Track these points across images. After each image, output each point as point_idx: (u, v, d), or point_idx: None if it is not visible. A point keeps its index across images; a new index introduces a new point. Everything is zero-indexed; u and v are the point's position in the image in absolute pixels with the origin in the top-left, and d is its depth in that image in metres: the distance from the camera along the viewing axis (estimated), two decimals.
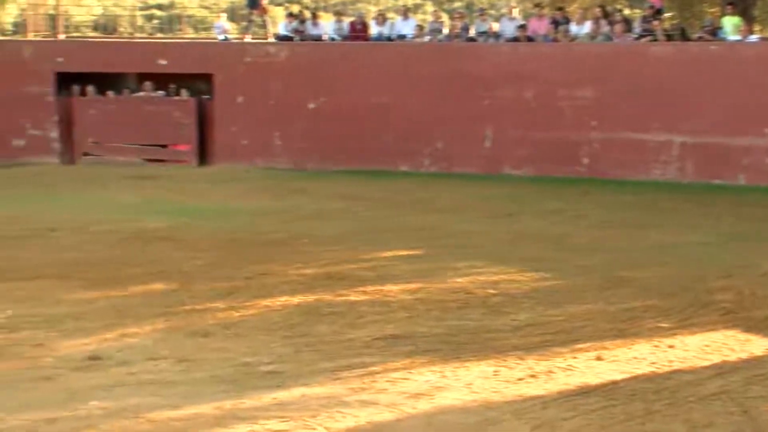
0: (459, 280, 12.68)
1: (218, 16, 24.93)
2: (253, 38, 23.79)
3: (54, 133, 22.31)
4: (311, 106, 22.27)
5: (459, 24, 23.07)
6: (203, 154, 22.58)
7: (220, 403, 8.29)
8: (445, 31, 23.03)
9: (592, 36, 21.51)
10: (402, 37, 22.69)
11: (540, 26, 22.17)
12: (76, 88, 22.49)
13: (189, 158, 22.51)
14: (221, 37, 23.62)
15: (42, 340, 10.20)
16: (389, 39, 22.69)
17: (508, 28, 22.43)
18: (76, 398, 8.46)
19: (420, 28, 23.11)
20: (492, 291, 12.10)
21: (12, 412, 8.05)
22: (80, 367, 9.39)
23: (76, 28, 28.22)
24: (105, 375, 9.16)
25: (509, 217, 17.31)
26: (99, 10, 27.42)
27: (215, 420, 7.94)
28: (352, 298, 12.01)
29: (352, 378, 9.03)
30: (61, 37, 23.85)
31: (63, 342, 10.20)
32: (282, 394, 8.56)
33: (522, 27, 22.18)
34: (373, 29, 23.20)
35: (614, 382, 8.89)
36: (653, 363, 9.43)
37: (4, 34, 30.03)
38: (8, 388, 8.69)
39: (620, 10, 24.52)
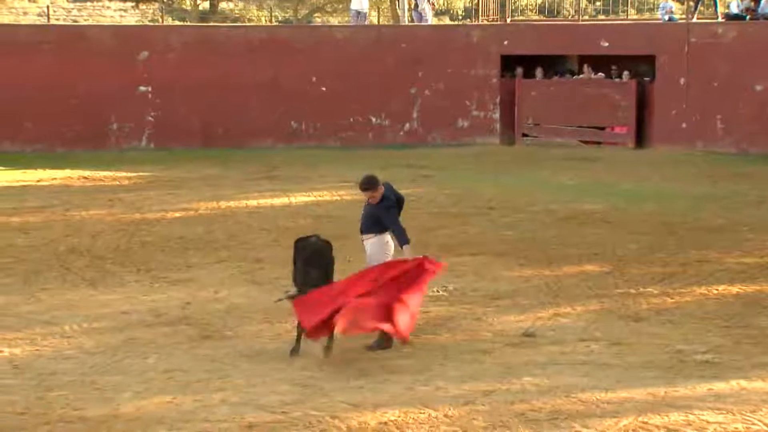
0: None
1: None
2: (698, 18, 23.11)
3: (496, 114, 23.02)
4: (758, 88, 21.26)
5: None
6: (640, 137, 22.30)
7: (653, 390, 8.20)
8: None
9: None
10: None
11: None
12: (519, 70, 23.06)
13: (626, 141, 22.34)
14: (665, 17, 23.16)
15: (480, 315, 10.62)
16: None
17: None
18: (511, 373, 8.74)
19: None
20: None
21: (453, 382, 8.48)
22: (515, 343, 9.68)
23: (521, 11, 28.91)
24: (538, 352, 9.37)
25: None
26: None
27: (648, 406, 7.87)
28: None
29: None
30: (508, 20, 24.54)
31: (500, 317, 10.56)
32: (719, 385, 8.31)
33: None
34: None
35: None
36: None
37: (456, 19, 31.41)
38: (450, 358, 9.15)
39: None
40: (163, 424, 7.65)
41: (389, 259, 9.70)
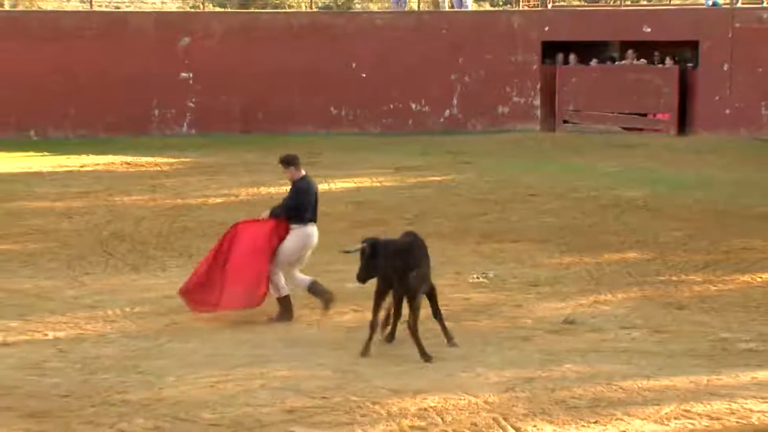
0: None
1: None
2: (743, 3, 22.83)
3: (536, 101, 22.89)
4: None
5: None
6: (683, 123, 22.10)
7: (695, 378, 8.14)
8: None
9: None
10: None
11: None
12: (560, 57, 22.92)
13: (668, 127, 22.15)
14: (709, 2, 22.91)
15: (521, 302, 10.61)
16: None
17: None
18: (551, 360, 8.71)
19: None
20: None
21: (493, 369, 8.46)
22: (556, 330, 9.66)
23: None
24: (579, 340, 9.34)
25: None
26: None
27: (690, 394, 7.81)
28: None
29: None
30: (549, 6, 24.39)
31: (540, 304, 10.54)
32: (762, 374, 8.24)
33: None
34: None
35: None
36: None
37: (496, 5, 31.26)
38: (491, 345, 9.15)
39: None
40: (206, 408, 7.70)
41: (307, 253, 10.12)
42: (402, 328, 9.03)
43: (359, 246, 9.28)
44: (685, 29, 22.01)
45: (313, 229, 10.13)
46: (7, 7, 24.89)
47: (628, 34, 22.55)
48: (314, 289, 10.10)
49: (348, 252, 9.61)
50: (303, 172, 10.22)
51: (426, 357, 8.71)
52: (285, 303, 10.07)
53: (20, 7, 25.52)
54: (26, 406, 7.75)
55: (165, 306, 10.44)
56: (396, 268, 8.82)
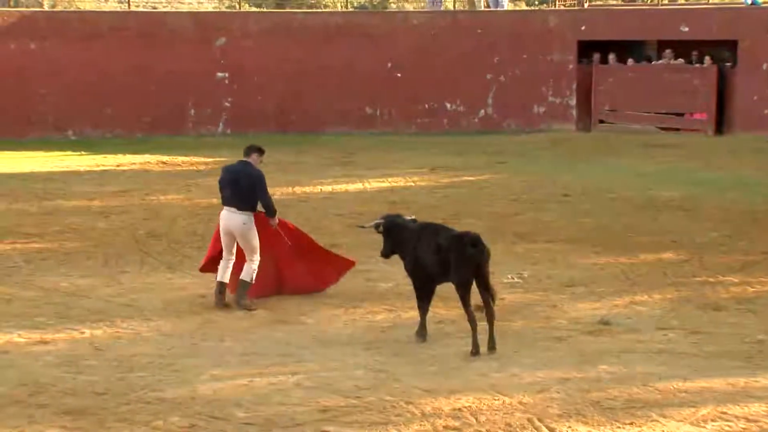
0: None
1: None
2: None
3: (572, 101, 22.80)
4: None
5: None
6: (720, 124, 21.92)
7: (732, 379, 8.08)
8: None
9: None
10: None
11: None
12: (596, 56, 22.80)
13: (705, 127, 21.97)
14: (748, 1, 22.71)
15: (555, 302, 10.57)
16: None
17: None
18: (586, 361, 8.67)
19: None
20: None
21: (528, 369, 8.44)
22: (591, 330, 9.61)
23: None
24: (614, 340, 9.30)
25: None
26: None
27: (726, 396, 7.75)
28: None
29: None
30: (585, 5, 24.27)
31: (575, 305, 10.49)
32: None
33: None
34: None
35: None
36: None
37: (532, 4, 31.17)
38: (525, 346, 9.11)
39: None
40: (240, 407, 7.74)
41: (224, 239, 10.63)
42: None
43: (375, 222, 9.76)
44: (723, 28, 21.84)
45: (224, 213, 10.55)
46: (46, 8, 25.11)
47: (666, 34, 22.41)
48: (221, 289, 10.55)
49: (363, 227, 10.14)
50: (245, 159, 10.62)
51: (476, 350, 8.78)
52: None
53: (59, 8, 25.76)
54: (62, 404, 7.82)
55: (200, 305, 10.50)
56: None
